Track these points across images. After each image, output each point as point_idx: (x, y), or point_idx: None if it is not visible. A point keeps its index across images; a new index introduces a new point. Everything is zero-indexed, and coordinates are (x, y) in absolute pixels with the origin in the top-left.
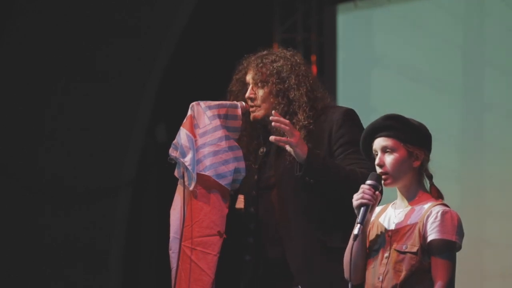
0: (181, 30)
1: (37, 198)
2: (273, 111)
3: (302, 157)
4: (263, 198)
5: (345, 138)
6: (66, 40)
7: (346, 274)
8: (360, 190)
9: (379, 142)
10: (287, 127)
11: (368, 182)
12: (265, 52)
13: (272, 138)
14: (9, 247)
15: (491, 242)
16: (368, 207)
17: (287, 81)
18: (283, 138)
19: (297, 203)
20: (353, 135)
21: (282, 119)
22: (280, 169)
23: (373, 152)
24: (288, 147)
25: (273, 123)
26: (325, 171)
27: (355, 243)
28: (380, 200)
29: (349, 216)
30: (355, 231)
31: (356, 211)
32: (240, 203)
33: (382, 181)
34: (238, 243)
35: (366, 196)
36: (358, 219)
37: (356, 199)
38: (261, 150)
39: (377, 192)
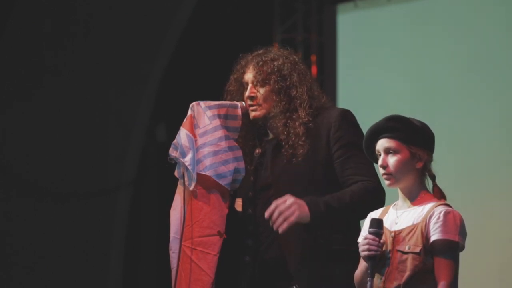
0: (181, 30)
1: (37, 198)
2: (265, 213)
3: (308, 219)
4: (260, 199)
5: (343, 140)
6: (66, 39)
7: None
8: (365, 241)
9: (382, 144)
10: (279, 218)
11: (371, 230)
12: (261, 51)
13: (267, 214)
14: (8, 247)
15: None
16: (376, 258)
17: (289, 79)
18: (285, 226)
19: None
20: (351, 137)
21: (270, 210)
22: (276, 169)
23: (376, 152)
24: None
25: (273, 225)
26: (333, 216)
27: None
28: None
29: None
30: (368, 286)
31: (364, 261)
32: (238, 206)
33: (386, 181)
34: (238, 244)
35: (372, 247)
36: (368, 273)
37: (362, 251)
38: (257, 151)
39: (381, 241)
